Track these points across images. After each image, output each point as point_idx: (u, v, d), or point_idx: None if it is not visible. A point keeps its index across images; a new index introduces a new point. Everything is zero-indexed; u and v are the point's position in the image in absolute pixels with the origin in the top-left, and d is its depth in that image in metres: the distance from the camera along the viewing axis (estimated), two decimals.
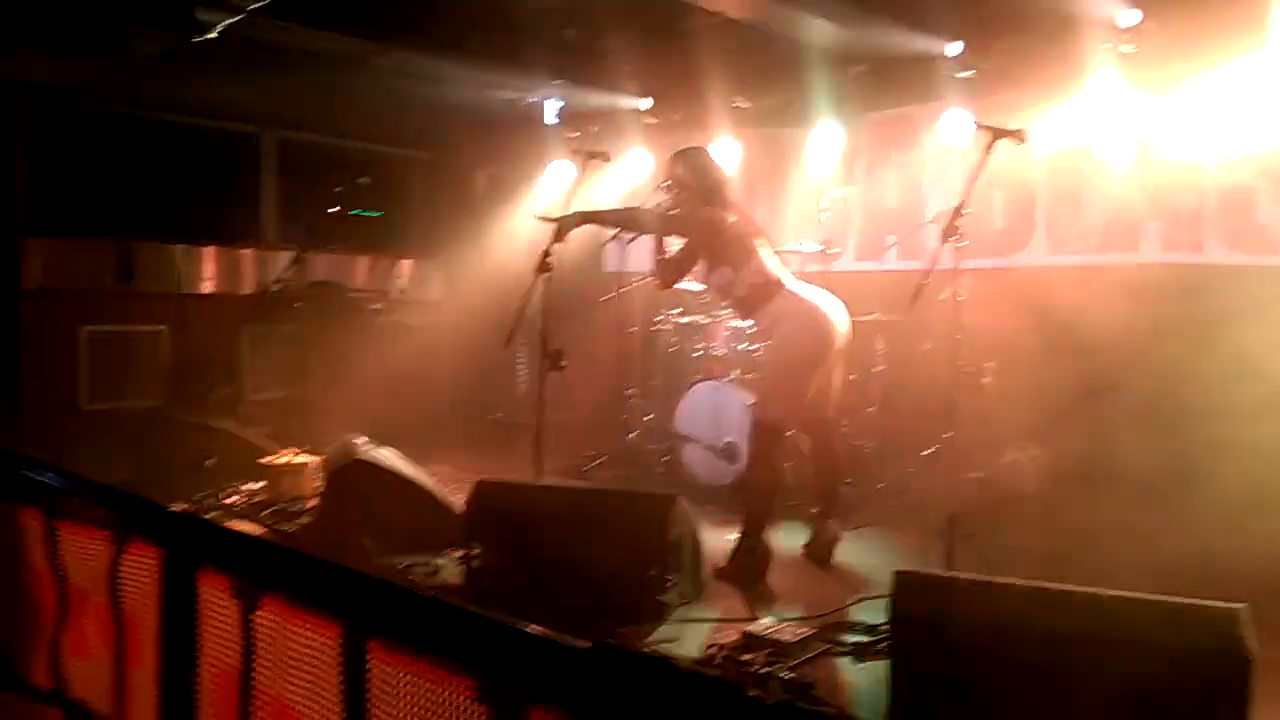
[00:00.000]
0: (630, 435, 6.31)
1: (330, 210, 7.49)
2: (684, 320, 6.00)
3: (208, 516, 4.67)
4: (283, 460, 4.90)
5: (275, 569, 1.61)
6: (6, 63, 5.78)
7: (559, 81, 6.75)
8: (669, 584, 3.53)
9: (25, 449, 2.46)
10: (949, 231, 3.64)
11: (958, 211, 3.64)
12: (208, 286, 6.96)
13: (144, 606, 1.83)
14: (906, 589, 2.55)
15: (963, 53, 5.49)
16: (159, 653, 1.78)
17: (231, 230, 7.25)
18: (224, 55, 5.46)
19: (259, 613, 1.60)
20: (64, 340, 6.17)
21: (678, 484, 5.32)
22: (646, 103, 6.97)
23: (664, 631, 3.39)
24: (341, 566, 1.52)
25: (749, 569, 3.96)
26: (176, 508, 1.82)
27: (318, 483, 4.91)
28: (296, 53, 5.74)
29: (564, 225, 4.06)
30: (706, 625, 3.45)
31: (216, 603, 1.67)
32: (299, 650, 1.52)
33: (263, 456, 5.04)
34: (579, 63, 6.38)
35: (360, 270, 7.72)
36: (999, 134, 3.60)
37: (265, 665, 1.59)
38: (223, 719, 1.65)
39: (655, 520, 3.57)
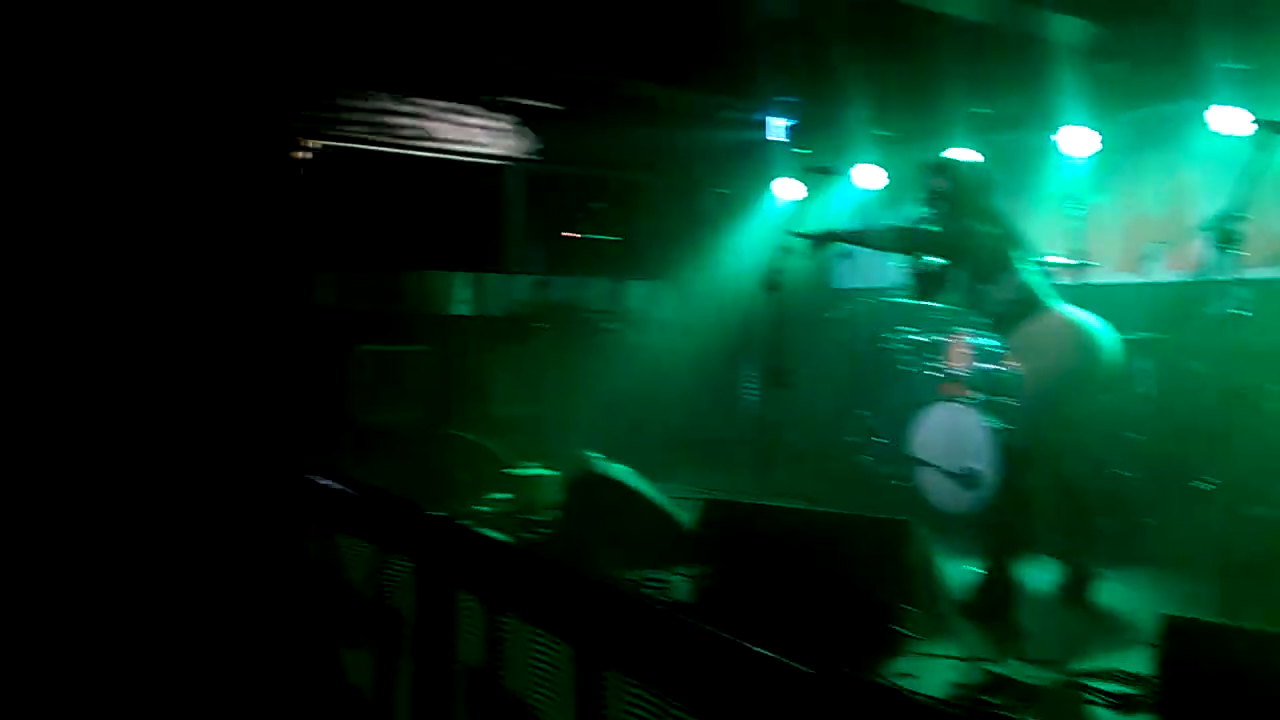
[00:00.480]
0: (861, 456, 6.15)
1: (568, 234, 7.87)
2: (919, 338, 5.78)
3: (462, 522, 5.04)
4: (526, 473, 5.19)
5: (520, 582, 1.72)
6: (307, 111, 6.55)
7: (786, 98, 6.74)
8: (904, 614, 3.40)
9: (310, 457, 2.77)
10: (1224, 239, 3.30)
11: (1234, 217, 3.29)
12: (464, 309, 7.50)
13: (405, 606, 2.01)
14: (1179, 638, 2.32)
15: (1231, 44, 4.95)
16: (417, 648, 1.94)
17: (484, 256, 7.80)
18: None
19: (505, 621, 1.71)
20: (342, 359, 6.86)
21: (911, 509, 5.12)
22: (875, 115, 6.81)
23: (900, 665, 3.26)
24: (579, 583, 1.60)
25: (993, 605, 3.73)
26: (435, 515, 1.98)
27: (557, 495, 5.15)
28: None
29: (820, 242, 4.03)
30: (946, 662, 3.29)
31: (468, 608, 1.80)
32: (539, 660, 1.61)
33: (509, 469, 5.36)
34: (807, 78, 6.35)
35: (597, 291, 8.05)
36: None
37: (510, 669, 1.69)
38: (471, 713, 1.77)
39: (889, 546, 3.45)
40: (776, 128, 7.32)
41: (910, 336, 5.83)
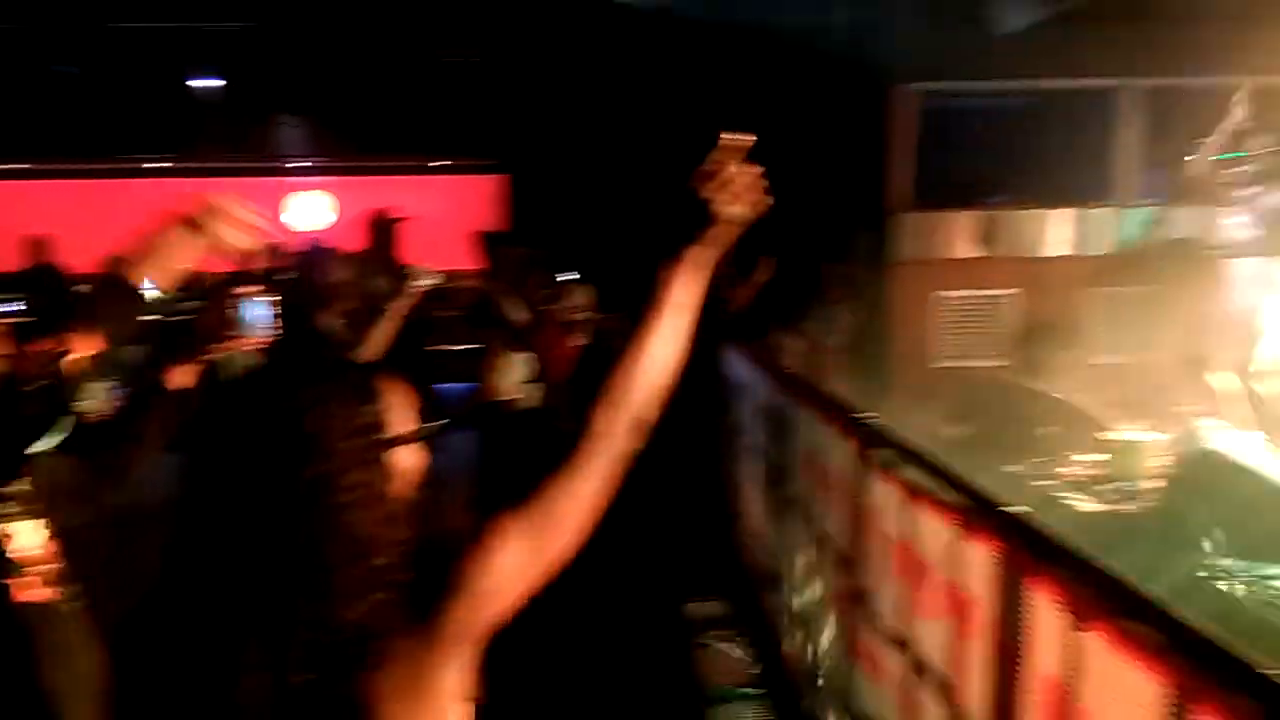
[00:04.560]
0: None
1: (1188, 166, 6.82)
2: None
3: (1042, 484, 4.79)
4: (1122, 436, 4.71)
5: (1108, 592, 1.62)
6: (882, 53, 6.62)
7: None
8: None
9: (887, 403, 2.88)
10: None
11: None
12: (1060, 249, 7.01)
13: (980, 591, 2.01)
14: None
15: None
16: (993, 638, 1.94)
17: (1086, 190, 7.15)
18: (1082, 13, 5.39)
19: (1088, 633, 1.63)
20: (922, 304, 6.91)
21: None
22: None
23: None
24: (1177, 616, 1.45)
25: None
26: (1015, 511, 1.93)
27: (1161, 462, 4.61)
28: None
29: None
30: None
31: (1046, 609, 1.75)
32: (1126, 684, 1.51)
33: (1099, 427, 4.92)
34: None
35: (1222, 226, 6.89)
36: None
37: (1089, 686, 1.61)
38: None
39: None
40: None
41: None
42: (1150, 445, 4.67)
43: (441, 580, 1.18)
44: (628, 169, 7.12)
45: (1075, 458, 4.97)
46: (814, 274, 6.84)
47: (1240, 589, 3.46)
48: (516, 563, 1.20)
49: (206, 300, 2.25)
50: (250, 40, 8.00)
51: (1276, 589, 3.41)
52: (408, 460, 1.29)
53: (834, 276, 6.97)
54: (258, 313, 2.28)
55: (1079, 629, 1.64)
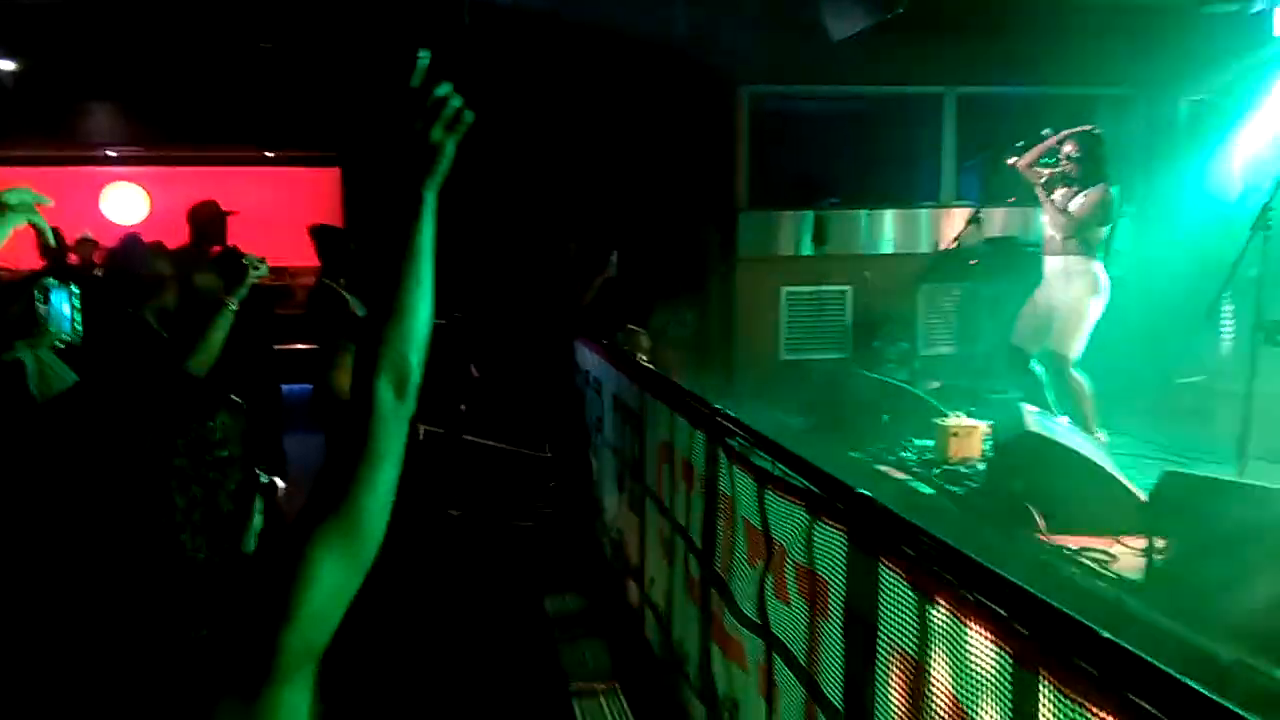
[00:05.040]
0: None
1: (1008, 163, 7.32)
2: None
3: (882, 469, 5.04)
4: (953, 422, 5.02)
5: (951, 567, 1.69)
6: (727, 57, 6.78)
7: None
8: None
9: (737, 394, 2.95)
10: None
11: None
12: (888, 247, 7.37)
13: (831, 572, 2.08)
14: None
15: None
16: (844, 617, 2.00)
17: (911, 192, 7.55)
18: (911, 23, 5.67)
19: (935, 608, 1.70)
20: (766, 299, 7.12)
21: None
22: None
23: None
24: (1016, 583, 1.54)
25: None
26: (864, 494, 2.01)
27: (987, 448, 4.93)
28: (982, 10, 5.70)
29: None
30: None
31: (894, 588, 1.82)
32: (973, 653, 1.59)
33: (934, 414, 5.22)
34: None
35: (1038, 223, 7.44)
36: None
37: (939, 658, 1.69)
38: (898, 694, 1.80)
39: None
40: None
41: None
42: (977, 429, 4.99)
43: (268, 608, 1.09)
44: (471, 164, 6.99)
45: (914, 443, 5.27)
46: (662, 270, 6.93)
47: (1064, 560, 3.74)
48: (336, 579, 1.12)
49: (7, 293, 2.05)
50: (59, 18, 7.37)
51: (1095, 558, 3.71)
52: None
53: (681, 273, 7.10)
54: (64, 308, 2.09)
55: (927, 602, 1.72)
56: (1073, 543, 3.85)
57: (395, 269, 1.23)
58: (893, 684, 1.80)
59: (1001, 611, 1.52)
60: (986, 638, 1.53)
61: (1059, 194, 5.36)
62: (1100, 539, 3.86)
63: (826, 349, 7.06)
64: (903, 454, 5.21)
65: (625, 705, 3.56)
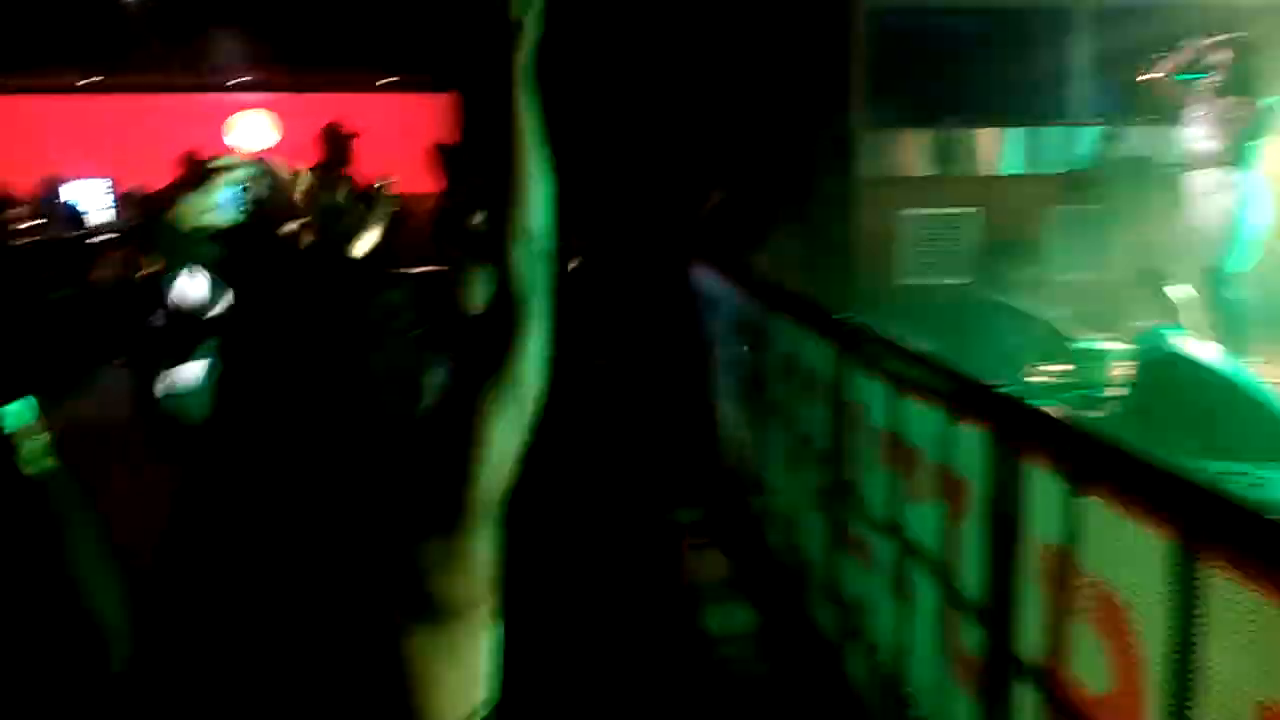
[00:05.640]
0: None
1: (1142, 78, 6.88)
2: None
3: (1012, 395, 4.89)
4: (1089, 345, 4.82)
5: (1100, 459, 1.64)
6: None
7: None
8: None
9: (860, 319, 2.90)
10: None
11: None
12: (1015, 168, 7.05)
13: (972, 473, 2.04)
14: None
15: None
16: (985, 515, 1.97)
17: (1039, 110, 7.18)
18: None
19: (1085, 498, 1.66)
20: (885, 222, 6.93)
21: None
22: None
23: None
24: (1173, 469, 1.49)
25: None
26: (996, 388, 1.96)
27: (1124, 371, 4.72)
28: None
29: None
30: None
31: (1042, 480, 1.78)
32: (1126, 542, 1.54)
33: (1065, 340, 5.03)
34: None
35: (1177, 141, 6.99)
36: None
37: (1091, 549, 1.65)
38: (1045, 588, 1.76)
39: None
40: None
41: None
42: (1114, 353, 4.78)
43: (450, 460, 1.23)
44: (580, 86, 6.97)
45: (1043, 368, 5.08)
46: (778, 194, 6.82)
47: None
48: (507, 438, 1.25)
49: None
50: None
51: (1248, 480, 3.54)
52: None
53: (796, 197, 6.96)
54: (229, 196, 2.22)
55: (1079, 494, 1.67)
56: (1219, 469, 3.66)
57: (511, 145, 1.35)
58: (1036, 578, 1.77)
59: (1157, 499, 1.47)
60: (1146, 524, 1.49)
61: (1207, 105, 5.03)
62: (1252, 463, 3.67)
63: (950, 274, 6.84)
64: (1032, 381, 5.03)
65: (750, 610, 3.62)
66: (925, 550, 2.25)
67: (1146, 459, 1.53)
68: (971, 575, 2.01)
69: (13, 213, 6.83)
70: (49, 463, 1.48)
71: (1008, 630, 1.85)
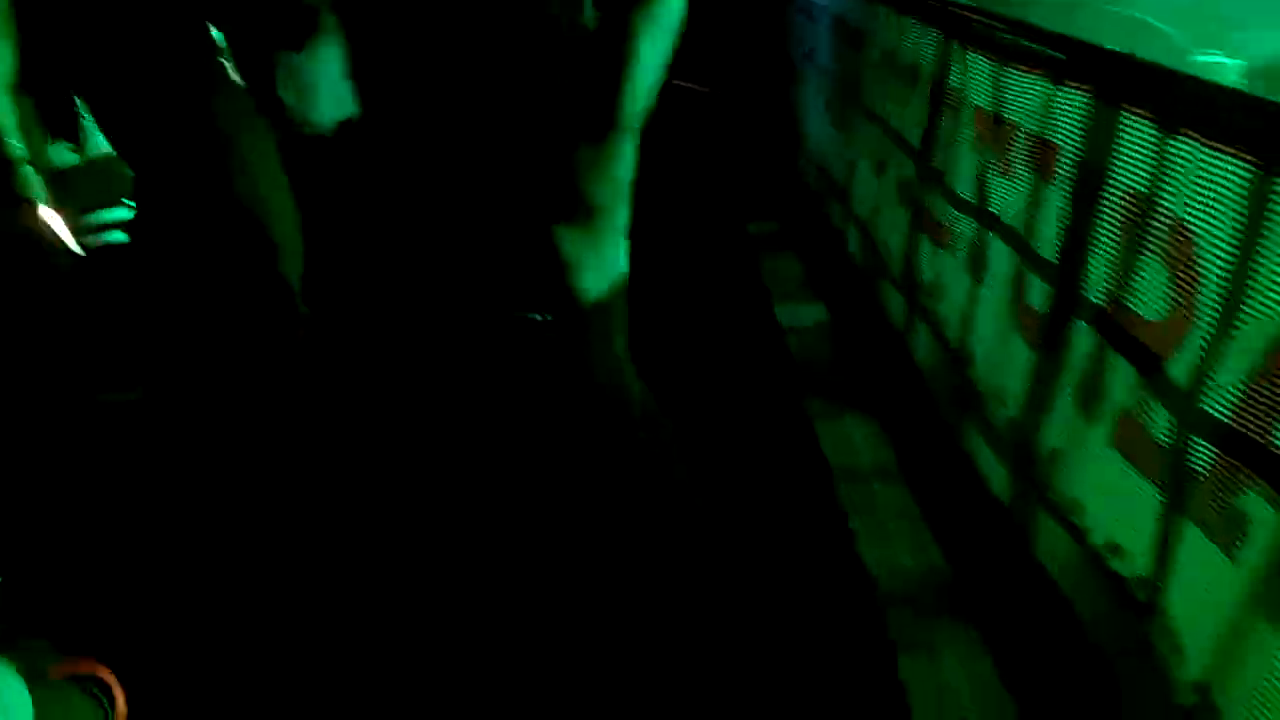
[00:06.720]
0: None
1: None
2: None
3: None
4: (1207, 60, 4.55)
5: (1192, 101, 1.67)
6: None
7: None
8: None
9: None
10: None
11: None
12: None
13: (1068, 135, 2.07)
14: None
15: None
16: (1072, 174, 2.03)
17: None
18: None
19: (1172, 141, 1.70)
20: None
21: None
22: None
23: None
24: (1262, 101, 1.51)
25: None
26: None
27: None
28: None
29: None
30: None
31: (1133, 129, 1.82)
32: (1204, 178, 1.60)
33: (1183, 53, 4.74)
34: None
35: None
36: None
37: (1168, 190, 1.71)
38: (1123, 232, 1.85)
39: None
40: None
41: None
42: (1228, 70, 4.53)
43: (603, 74, 1.36)
44: None
45: None
46: None
47: None
48: (652, 56, 1.36)
49: None
50: None
51: None
52: None
53: None
54: None
55: (1167, 136, 1.71)
56: None
57: None
58: (1114, 227, 1.85)
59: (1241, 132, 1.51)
60: (1230, 153, 1.54)
61: None
62: None
63: None
64: None
65: (820, 307, 3.81)
66: (1005, 221, 2.33)
67: (1235, 94, 1.55)
68: (1049, 234, 2.10)
69: None
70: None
71: (1077, 278, 1.97)
